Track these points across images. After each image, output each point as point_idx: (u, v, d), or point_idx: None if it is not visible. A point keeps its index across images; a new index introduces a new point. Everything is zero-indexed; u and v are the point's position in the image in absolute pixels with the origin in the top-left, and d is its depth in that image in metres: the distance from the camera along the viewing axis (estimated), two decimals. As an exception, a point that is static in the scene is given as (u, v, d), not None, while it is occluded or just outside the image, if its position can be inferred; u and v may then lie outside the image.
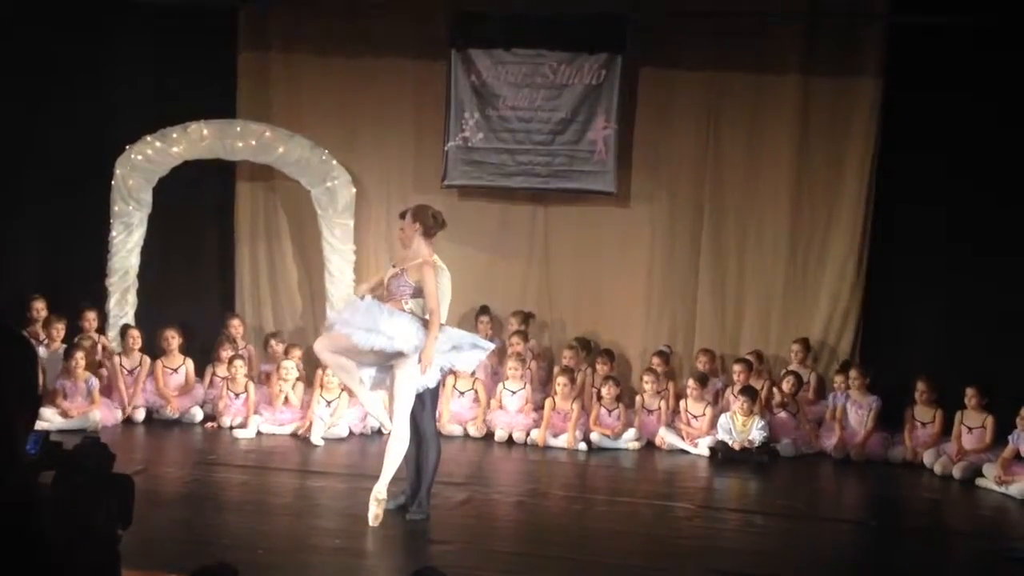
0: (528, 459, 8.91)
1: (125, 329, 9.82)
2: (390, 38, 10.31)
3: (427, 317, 6.32)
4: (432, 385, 6.49)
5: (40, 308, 9.72)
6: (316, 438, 8.86)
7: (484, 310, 10.13)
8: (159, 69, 10.21)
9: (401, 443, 6.39)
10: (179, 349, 9.72)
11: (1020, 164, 9.44)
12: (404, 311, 6.34)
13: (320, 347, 6.54)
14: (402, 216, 6.64)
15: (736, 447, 8.84)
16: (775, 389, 9.58)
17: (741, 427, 9.02)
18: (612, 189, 10.10)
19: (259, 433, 9.07)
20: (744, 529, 7.17)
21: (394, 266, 6.60)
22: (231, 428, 9.27)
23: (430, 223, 6.51)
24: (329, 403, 9.12)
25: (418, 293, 6.35)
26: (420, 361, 6.20)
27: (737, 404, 9.06)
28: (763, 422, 9.06)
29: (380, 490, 6.38)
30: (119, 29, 10.23)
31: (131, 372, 9.57)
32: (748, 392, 9.11)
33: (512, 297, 10.50)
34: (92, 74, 10.24)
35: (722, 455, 8.91)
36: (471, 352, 6.55)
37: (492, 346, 6.92)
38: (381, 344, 6.21)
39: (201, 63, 10.28)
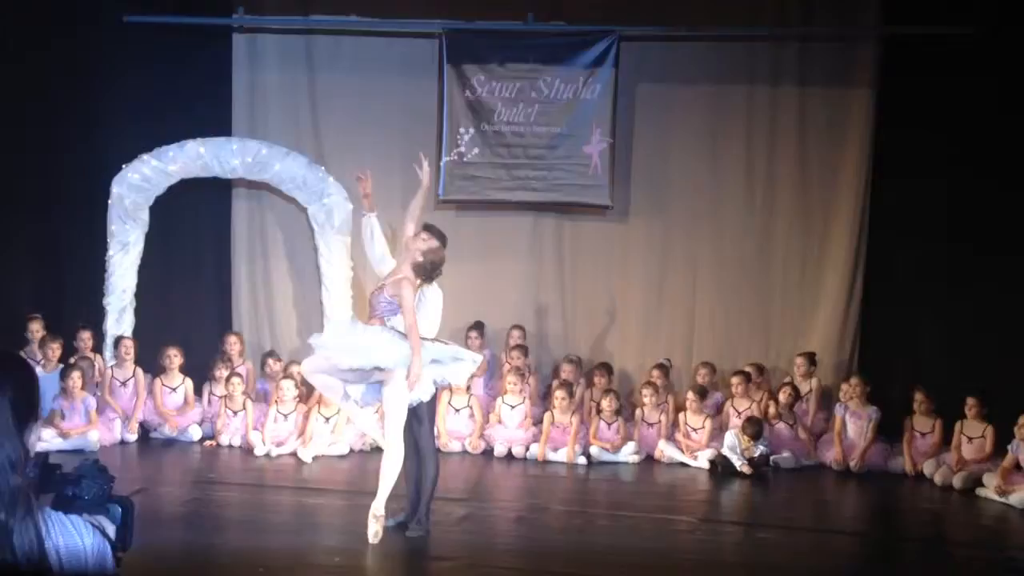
0: (528, 474, 8.89)
1: (118, 340, 9.81)
2: (384, 54, 10.35)
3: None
4: (426, 399, 6.45)
5: (37, 329, 9.68)
6: (307, 456, 8.85)
7: (475, 326, 10.08)
8: (155, 88, 10.21)
9: (396, 459, 6.37)
10: (179, 368, 9.72)
11: (1017, 174, 9.46)
12: (385, 327, 6.32)
13: (306, 369, 6.57)
14: (425, 229, 6.47)
15: (745, 469, 8.83)
16: (772, 401, 9.59)
17: (747, 444, 9.01)
18: (608, 203, 10.13)
19: (268, 456, 9.05)
20: (745, 542, 7.15)
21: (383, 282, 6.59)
22: (230, 446, 9.27)
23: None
24: (328, 419, 9.11)
25: (397, 309, 6.33)
26: (408, 378, 6.18)
27: (745, 437, 9.02)
28: (765, 438, 9.07)
29: (378, 507, 6.35)
30: (115, 49, 10.22)
31: (123, 384, 9.59)
32: (754, 423, 9.09)
33: (510, 311, 10.50)
34: (88, 93, 10.24)
35: (722, 468, 8.90)
36: (456, 365, 6.48)
37: (479, 357, 6.82)
38: (360, 362, 6.20)
39: (197, 81, 10.29)
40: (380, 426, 6.71)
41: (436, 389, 6.54)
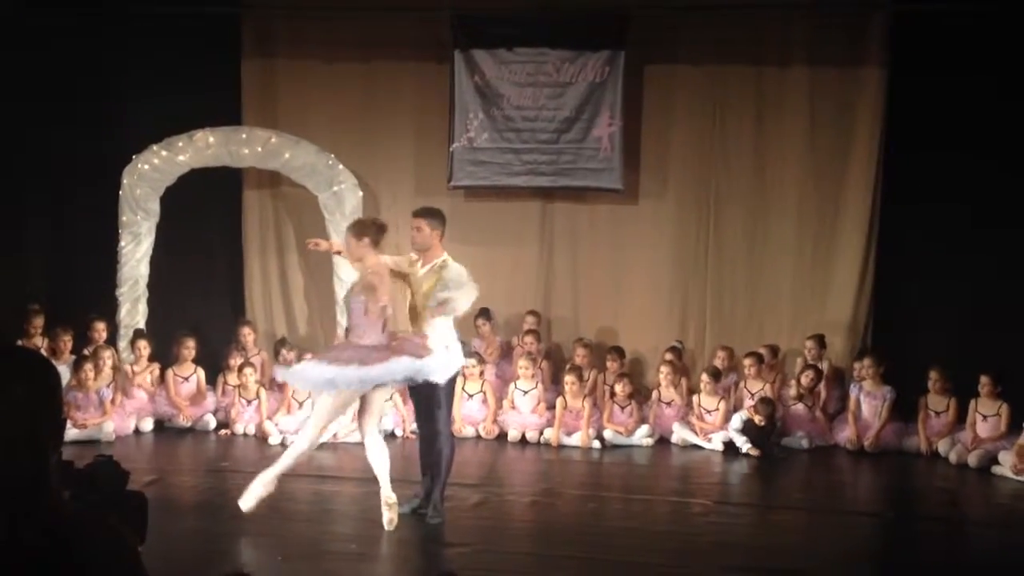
0: (542, 459, 8.90)
1: (134, 340, 9.88)
2: (393, 41, 10.32)
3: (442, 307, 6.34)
4: (442, 382, 6.43)
5: (38, 324, 9.58)
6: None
7: (482, 313, 10.06)
8: (163, 77, 10.19)
9: (374, 448, 6.40)
10: (191, 358, 9.76)
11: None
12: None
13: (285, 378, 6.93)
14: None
15: (753, 452, 8.88)
16: (793, 382, 9.57)
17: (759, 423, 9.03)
18: (619, 186, 10.09)
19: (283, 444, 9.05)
20: (760, 524, 7.16)
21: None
22: (244, 435, 9.31)
23: (376, 232, 6.52)
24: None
25: (370, 311, 6.28)
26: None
27: (757, 417, 9.04)
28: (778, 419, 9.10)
29: (388, 494, 6.35)
30: (123, 38, 10.22)
31: (139, 374, 9.73)
32: (766, 404, 9.10)
33: (520, 296, 10.49)
34: (97, 84, 10.23)
35: (748, 437, 8.86)
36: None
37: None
38: (412, 371, 6.20)
39: (205, 70, 10.27)
40: (354, 423, 6.77)
41: (454, 374, 6.58)
